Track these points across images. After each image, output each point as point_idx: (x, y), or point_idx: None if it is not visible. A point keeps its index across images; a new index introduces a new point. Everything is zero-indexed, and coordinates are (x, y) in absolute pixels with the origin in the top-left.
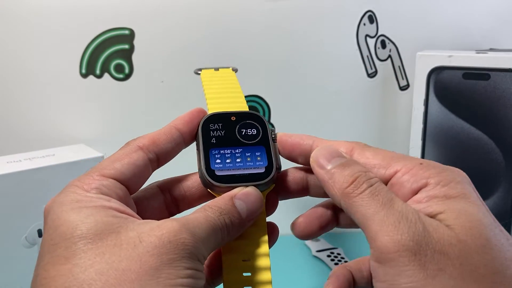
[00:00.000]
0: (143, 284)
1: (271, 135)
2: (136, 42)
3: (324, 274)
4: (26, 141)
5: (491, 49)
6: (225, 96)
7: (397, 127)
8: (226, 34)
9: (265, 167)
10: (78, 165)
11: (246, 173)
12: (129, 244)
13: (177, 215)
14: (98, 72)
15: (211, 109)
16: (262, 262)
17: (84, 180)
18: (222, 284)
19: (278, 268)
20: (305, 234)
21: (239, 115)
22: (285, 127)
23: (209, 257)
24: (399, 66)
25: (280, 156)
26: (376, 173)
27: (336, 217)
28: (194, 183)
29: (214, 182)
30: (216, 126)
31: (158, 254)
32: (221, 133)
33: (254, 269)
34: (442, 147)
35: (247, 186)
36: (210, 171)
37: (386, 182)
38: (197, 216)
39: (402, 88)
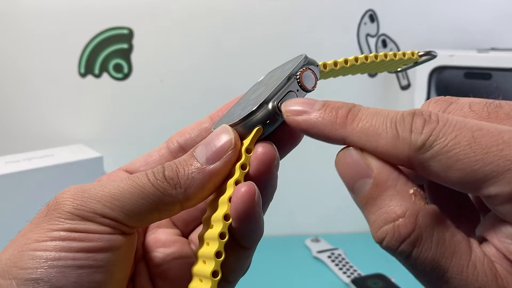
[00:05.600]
0: (2, 254)
1: (293, 72)
2: (135, 41)
3: (324, 275)
4: (25, 141)
5: (493, 49)
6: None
7: None
8: (226, 33)
9: (258, 105)
10: (77, 165)
11: (242, 113)
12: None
13: None
14: (97, 71)
15: None
16: (216, 229)
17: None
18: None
19: (279, 269)
20: None
21: (292, 60)
22: None
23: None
24: None
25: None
26: (467, 192)
27: None
28: None
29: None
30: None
31: (34, 221)
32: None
33: (209, 238)
34: None
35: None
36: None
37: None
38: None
39: (403, 88)
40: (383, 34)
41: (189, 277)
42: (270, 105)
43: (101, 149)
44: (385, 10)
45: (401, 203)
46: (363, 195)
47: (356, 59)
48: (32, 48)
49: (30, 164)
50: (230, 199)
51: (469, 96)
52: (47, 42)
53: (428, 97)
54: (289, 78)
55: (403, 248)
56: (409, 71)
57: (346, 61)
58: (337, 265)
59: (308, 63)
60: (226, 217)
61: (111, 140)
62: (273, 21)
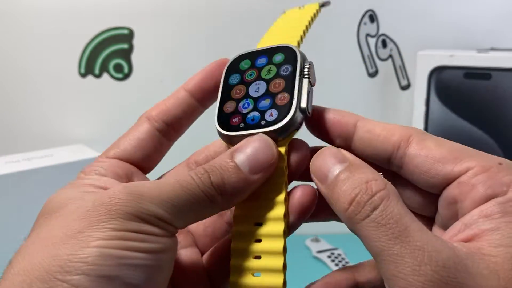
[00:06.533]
0: (57, 248)
1: (301, 70)
2: (135, 41)
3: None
4: (25, 141)
5: (493, 49)
6: (280, 34)
7: None
8: (226, 33)
9: (293, 113)
10: (76, 165)
11: (270, 120)
12: (66, 214)
13: None
14: (97, 71)
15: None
16: (275, 227)
17: (91, 164)
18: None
19: None
20: None
21: (267, 51)
22: None
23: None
24: (400, 66)
25: (310, 102)
26: (442, 169)
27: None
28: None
29: (222, 131)
30: (239, 68)
31: (87, 217)
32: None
33: (265, 235)
34: None
35: (255, 134)
36: (223, 119)
37: (452, 180)
38: (167, 176)
39: (403, 88)
40: (383, 34)
41: (197, 276)
42: (302, 109)
43: (101, 149)
44: (385, 10)
45: (373, 175)
46: (338, 173)
47: (304, 34)
48: (32, 47)
49: (30, 164)
50: (285, 199)
51: (468, 96)
52: (47, 41)
53: (428, 97)
54: (300, 79)
55: (373, 200)
56: (409, 71)
57: (304, 34)
58: (337, 265)
59: (304, 59)
60: (285, 215)
61: (111, 140)
62: (273, 21)
